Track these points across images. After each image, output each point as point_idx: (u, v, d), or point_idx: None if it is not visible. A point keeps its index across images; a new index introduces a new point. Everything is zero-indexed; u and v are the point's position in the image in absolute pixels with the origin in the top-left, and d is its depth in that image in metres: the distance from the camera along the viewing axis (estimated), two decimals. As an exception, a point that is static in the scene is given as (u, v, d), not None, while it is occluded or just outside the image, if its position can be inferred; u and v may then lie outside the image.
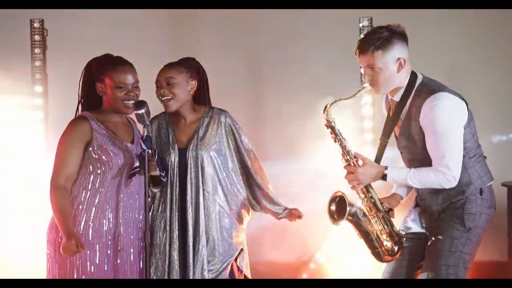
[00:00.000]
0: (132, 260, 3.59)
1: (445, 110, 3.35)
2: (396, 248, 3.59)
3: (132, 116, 3.63)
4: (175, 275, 3.71)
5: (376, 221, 3.56)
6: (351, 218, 3.54)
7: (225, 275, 3.79)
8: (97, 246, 3.49)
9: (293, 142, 6.35)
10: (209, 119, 3.79)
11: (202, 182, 3.73)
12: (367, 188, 3.55)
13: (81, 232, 3.46)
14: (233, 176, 3.84)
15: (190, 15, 6.50)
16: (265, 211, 3.93)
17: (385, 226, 3.57)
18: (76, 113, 3.65)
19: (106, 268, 3.50)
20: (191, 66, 3.78)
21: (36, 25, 5.66)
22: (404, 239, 3.60)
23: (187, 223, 3.72)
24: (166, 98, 3.70)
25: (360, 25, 5.56)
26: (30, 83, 5.70)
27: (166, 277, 3.71)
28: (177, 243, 3.73)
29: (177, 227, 3.74)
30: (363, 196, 3.56)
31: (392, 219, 3.62)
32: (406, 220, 3.74)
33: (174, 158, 3.73)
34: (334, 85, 5.31)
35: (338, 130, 3.54)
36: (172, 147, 3.75)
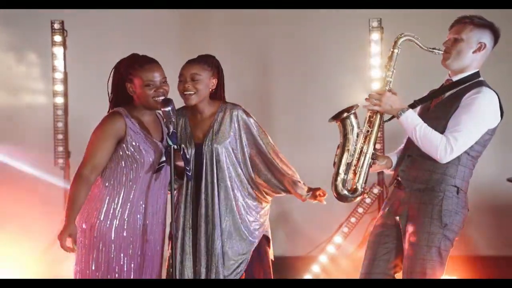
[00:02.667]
0: (158, 250, 3.73)
1: (488, 101, 3.51)
2: (359, 189, 3.63)
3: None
4: (188, 266, 3.82)
5: (359, 154, 3.61)
6: (345, 125, 3.61)
7: (242, 270, 3.87)
8: (131, 239, 3.62)
9: (302, 138, 6.45)
10: (223, 114, 3.88)
11: (217, 176, 3.83)
12: (377, 121, 3.62)
13: (117, 226, 3.60)
14: (248, 169, 3.92)
15: (200, 15, 6.59)
16: (291, 193, 3.97)
17: (363, 166, 3.62)
18: (109, 109, 3.76)
19: (138, 260, 3.65)
20: (213, 65, 3.89)
21: (57, 26, 5.79)
22: (367, 192, 3.66)
23: (198, 218, 3.83)
24: (189, 92, 3.80)
25: (370, 26, 5.68)
26: (51, 82, 5.84)
27: (179, 268, 3.81)
28: (191, 237, 3.84)
29: (190, 223, 3.84)
30: (368, 124, 3.62)
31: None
32: (379, 217, 3.78)
33: (190, 153, 3.84)
34: (343, 84, 5.39)
35: (396, 59, 3.61)
36: (189, 142, 3.86)
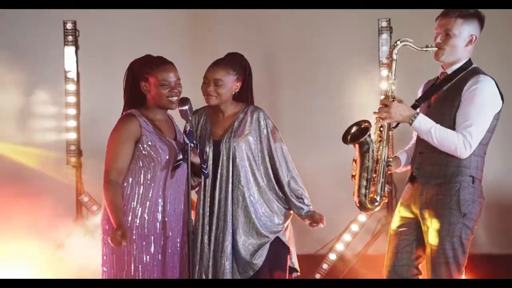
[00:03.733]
0: (178, 247, 3.78)
1: (488, 89, 3.61)
2: (379, 200, 3.76)
3: (171, 112, 3.83)
4: (205, 263, 3.86)
5: (376, 166, 3.72)
6: (361, 146, 3.69)
7: (257, 267, 3.87)
8: (152, 237, 3.68)
9: (309, 137, 6.48)
10: (244, 115, 3.93)
11: (233, 174, 3.87)
12: (387, 132, 3.71)
13: (137, 225, 3.66)
14: (264, 170, 3.95)
15: (208, 15, 6.63)
16: (291, 209, 3.98)
17: (381, 175, 3.73)
18: (123, 111, 3.82)
19: (159, 258, 3.70)
20: (240, 67, 3.91)
21: (69, 26, 5.86)
22: (386, 198, 3.78)
23: (212, 215, 3.87)
24: (210, 95, 3.85)
25: (379, 26, 5.71)
26: (63, 82, 5.91)
27: (198, 265, 3.86)
28: (208, 233, 3.88)
29: (207, 220, 3.88)
30: (379, 137, 3.71)
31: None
32: (398, 210, 3.86)
33: (208, 150, 3.89)
34: (352, 83, 5.41)
35: (395, 67, 3.70)
36: (208, 139, 3.91)
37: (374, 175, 3.74)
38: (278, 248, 3.93)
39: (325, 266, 5.84)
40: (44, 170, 6.61)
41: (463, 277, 3.71)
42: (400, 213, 3.83)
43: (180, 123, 3.90)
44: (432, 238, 3.64)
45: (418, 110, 3.73)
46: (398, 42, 3.69)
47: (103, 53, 6.34)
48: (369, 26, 5.84)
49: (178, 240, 3.78)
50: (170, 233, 3.73)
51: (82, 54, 5.92)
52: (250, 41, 6.52)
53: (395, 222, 3.84)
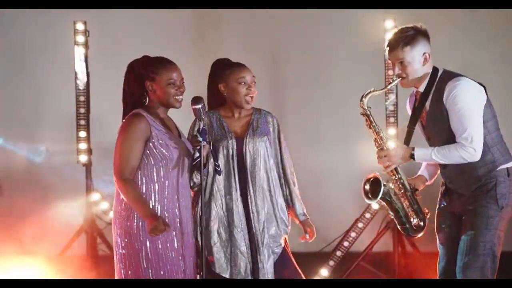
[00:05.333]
0: (192, 241, 3.85)
1: (466, 89, 3.70)
2: (422, 224, 3.91)
3: (178, 110, 3.88)
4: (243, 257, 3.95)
5: (404, 200, 3.89)
6: (383, 196, 3.86)
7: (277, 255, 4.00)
8: (174, 233, 3.75)
9: (313, 137, 6.53)
10: (258, 116, 4.06)
11: (256, 170, 3.98)
12: (397, 169, 3.87)
13: None
14: (277, 170, 4.07)
15: (213, 15, 6.72)
16: (289, 207, 4.11)
17: (412, 204, 3.90)
18: (125, 111, 3.84)
19: (182, 252, 3.77)
20: None
21: (79, 26, 5.93)
22: (428, 215, 3.93)
23: (249, 211, 3.97)
24: (253, 96, 3.98)
25: (385, 25, 5.73)
26: (74, 81, 5.98)
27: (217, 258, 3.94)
28: (246, 230, 3.96)
29: (243, 214, 3.97)
30: (393, 177, 3.88)
31: (418, 198, 3.93)
32: (438, 213, 3.99)
33: (232, 146, 3.98)
34: (359, 83, 5.45)
35: (372, 117, 3.89)
36: (229, 136, 3.99)
37: (408, 210, 3.90)
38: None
39: (331, 262, 5.89)
40: (54, 168, 6.72)
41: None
42: (441, 215, 3.94)
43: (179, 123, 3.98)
44: (469, 231, 3.74)
45: (419, 129, 3.90)
46: (363, 98, 3.85)
47: (112, 53, 6.43)
48: (375, 26, 5.89)
49: (191, 235, 3.86)
50: (185, 229, 3.80)
51: (92, 53, 6.00)
52: (254, 41, 6.63)
53: (439, 226, 3.94)
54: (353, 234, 5.89)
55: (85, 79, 5.96)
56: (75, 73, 5.96)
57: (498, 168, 3.75)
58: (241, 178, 3.99)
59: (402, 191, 3.88)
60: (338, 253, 5.89)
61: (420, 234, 3.96)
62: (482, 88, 3.76)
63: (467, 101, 3.69)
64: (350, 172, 5.73)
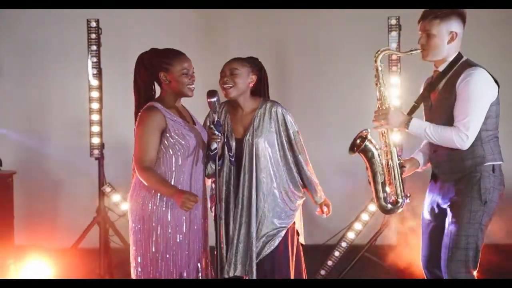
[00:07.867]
0: (200, 225, 3.97)
1: (480, 79, 3.73)
2: (400, 201, 3.91)
3: (189, 101, 4.00)
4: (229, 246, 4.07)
5: (386, 168, 3.89)
6: (365, 153, 3.88)
7: (273, 246, 4.09)
8: (184, 217, 3.88)
9: (318, 135, 6.64)
10: (263, 110, 4.11)
11: (256, 169, 4.06)
12: (389, 135, 3.88)
13: (171, 207, 3.83)
14: (284, 164, 4.14)
15: (220, 15, 6.84)
16: (307, 191, 4.22)
17: (394, 176, 3.90)
18: (139, 105, 3.93)
19: (189, 236, 3.90)
20: (253, 63, 4.13)
21: (93, 24, 6.04)
22: (409, 196, 3.92)
23: (236, 203, 4.08)
24: (227, 85, 4.03)
25: (388, 24, 5.79)
26: (87, 78, 6.07)
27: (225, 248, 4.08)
28: (233, 218, 4.09)
29: (233, 205, 4.09)
30: (383, 140, 3.90)
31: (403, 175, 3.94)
32: (424, 207, 4.03)
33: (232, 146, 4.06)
34: (363, 82, 5.51)
35: (382, 74, 3.89)
36: (230, 136, 4.10)
37: (388, 178, 3.89)
38: (293, 234, 4.16)
39: (336, 253, 5.94)
40: (67, 162, 6.88)
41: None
42: (427, 209, 3.98)
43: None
44: (453, 225, 3.78)
45: (423, 108, 3.91)
46: (380, 52, 3.86)
47: (123, 50, 6.54)
48: (379, 24, 5.93)
49: (200, 220, 3.97)
50: (195, 213, 3.92)
51: (104, 51, 6.09)
52: (259, 41, 6.71)
53: (424, 220, 4.00)
54: (358, 226, 5.94)
55: (97, 75, 6.06)
56: (88, 70, 6.06)
57: (485, 164, 3.77)
58: (238, 175, 4.07)
59: (388, 157, 3.87)
60: (344, 244, 5.94)
61: (398, 211, 3.94)
62: (496, 86, 3.79)
63: (477, 91, 3.71)
64: (353, 165, 5.79)
